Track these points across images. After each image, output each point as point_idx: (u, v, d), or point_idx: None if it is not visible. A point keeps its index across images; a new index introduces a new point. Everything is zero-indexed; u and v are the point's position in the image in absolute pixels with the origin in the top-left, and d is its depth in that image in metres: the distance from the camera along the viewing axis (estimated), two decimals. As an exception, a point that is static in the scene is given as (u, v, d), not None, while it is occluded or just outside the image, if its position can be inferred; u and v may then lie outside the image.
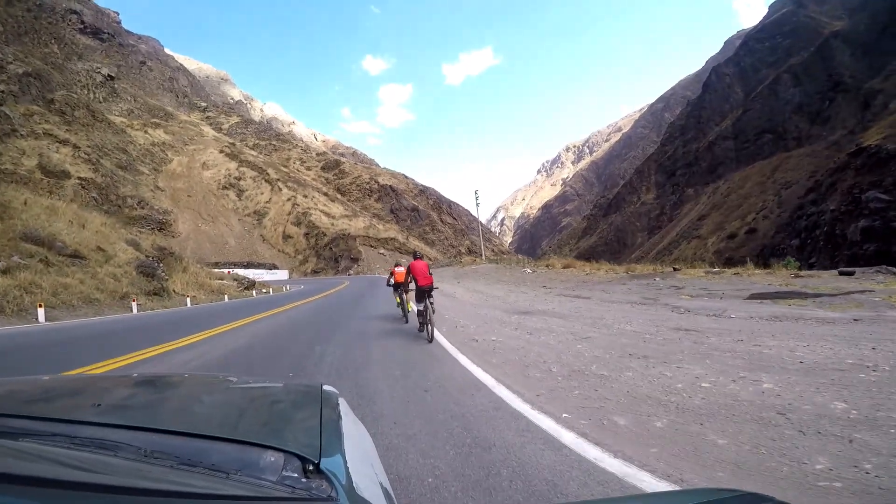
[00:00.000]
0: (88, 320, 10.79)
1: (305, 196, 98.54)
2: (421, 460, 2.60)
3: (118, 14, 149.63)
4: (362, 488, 0.78)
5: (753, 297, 9.44)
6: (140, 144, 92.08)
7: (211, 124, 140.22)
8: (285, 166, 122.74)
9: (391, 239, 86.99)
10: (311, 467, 0.77)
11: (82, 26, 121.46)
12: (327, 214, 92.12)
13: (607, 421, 3.22)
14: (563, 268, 25.09)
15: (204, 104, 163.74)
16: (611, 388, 4.01)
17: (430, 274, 7.72)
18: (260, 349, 6.69)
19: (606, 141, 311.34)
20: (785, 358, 4.49)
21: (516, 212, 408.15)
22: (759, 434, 2.79)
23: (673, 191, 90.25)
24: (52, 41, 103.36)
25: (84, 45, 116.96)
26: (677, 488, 2.22)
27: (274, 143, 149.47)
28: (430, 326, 7.10)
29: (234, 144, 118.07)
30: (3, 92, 66.03)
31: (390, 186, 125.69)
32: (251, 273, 51.92)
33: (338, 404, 1.24)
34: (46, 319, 10.11)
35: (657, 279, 14.84)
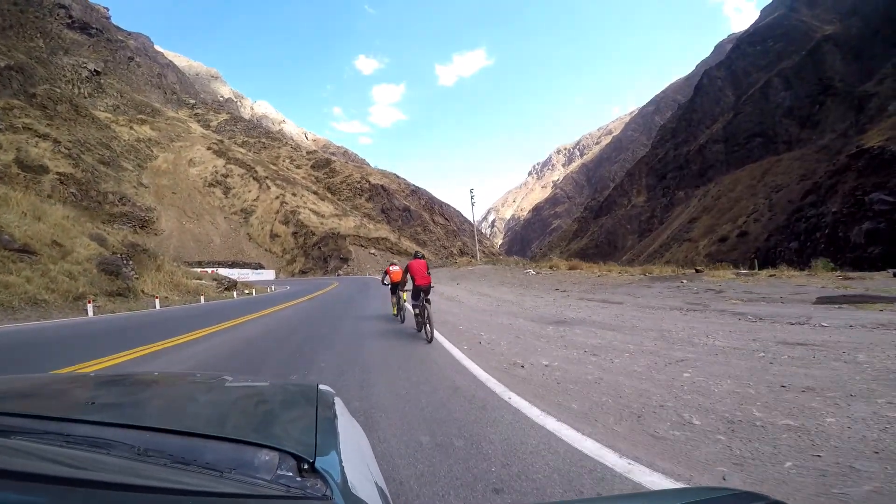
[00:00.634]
0: (18, 326, 9.29)
1: (294, 194, 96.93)
2: None
3: (108, 10, 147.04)
4: (357, 487, 0.78)
5: (821, 300, 8.63)
6: (125, 140, 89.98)
7: (199, 121, 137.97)
8: (274, 164, 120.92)
9: (382, 239, 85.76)
10: (305, 466, 0.77)
11: (70, 21, 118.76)
12: (317, 213, 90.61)
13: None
14: (569, 269, 24.34)
15: (192, 101, 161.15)
16: (833, 448, 2.54)
17: (429, 274, 7.46)
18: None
19: (597, 144, 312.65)
20: None
21: (507, 214, 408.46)
22: None
23: (663, 194, 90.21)
24: (38, 35, 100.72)
25: (71, 40, 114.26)
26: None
27: (263, 140, 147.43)
28: (428, 326, 6.88)
29: (222, 142, 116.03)
30: (-20, 84, 63.96)
31: (382, 186, 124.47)
32: (236, 273, 50.55)
33: (333, 403, 1.23)
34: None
35: (684, 281, 14.11)
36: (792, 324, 6.71)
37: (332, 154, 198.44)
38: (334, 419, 1.09)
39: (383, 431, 3.04)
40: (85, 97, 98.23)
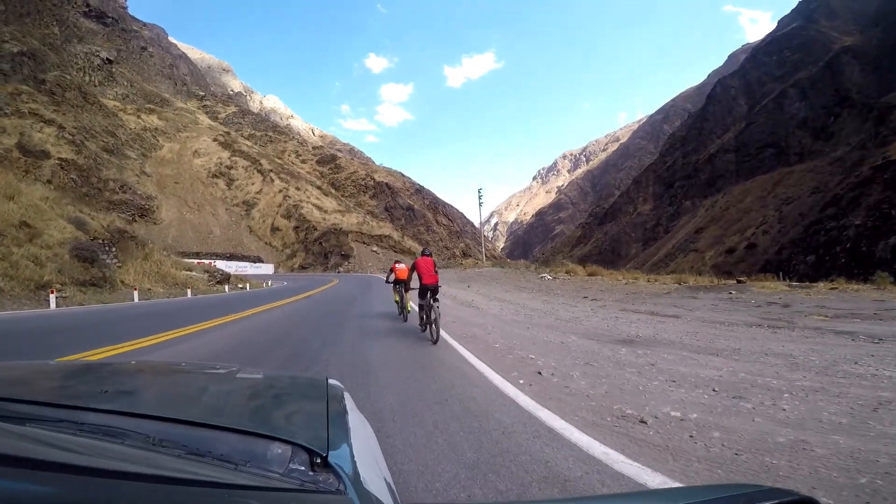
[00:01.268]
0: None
1: (298, 188, 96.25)
2: None
3: (126, 0, 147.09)
4: (368, 482, 0.78)
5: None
6: (131, 129, 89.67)
7: (207, 113, 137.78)
8: (279, 158, 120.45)
9: (385, 236, 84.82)
10: (318, 460, 0.77)
11: (87, 9, 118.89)
12: (319, 208, 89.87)
13: None
14: (588, 275, 23.28)
15: (202, 93, 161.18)
16: None
17: (436, 272, 7.19)
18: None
19: (604, 150, 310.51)
20: None
21: (510, 217, 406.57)
22: None
23: (670, 202, 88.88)
24: (54, 23, 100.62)
25: (86, 29, 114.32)
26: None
27: (270, 134, 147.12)
28: (434, 327, 6.61)
29: (228, 133, 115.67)
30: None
31: (386, 184, 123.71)
32: (234, 266, 49.82)
33: (343, 398, 1.24)
34: None
35: (733, 293, 13.08)
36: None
37: (339, 150, 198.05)
38: (345, 413, 1.10)
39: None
40: (95, 85, 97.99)
